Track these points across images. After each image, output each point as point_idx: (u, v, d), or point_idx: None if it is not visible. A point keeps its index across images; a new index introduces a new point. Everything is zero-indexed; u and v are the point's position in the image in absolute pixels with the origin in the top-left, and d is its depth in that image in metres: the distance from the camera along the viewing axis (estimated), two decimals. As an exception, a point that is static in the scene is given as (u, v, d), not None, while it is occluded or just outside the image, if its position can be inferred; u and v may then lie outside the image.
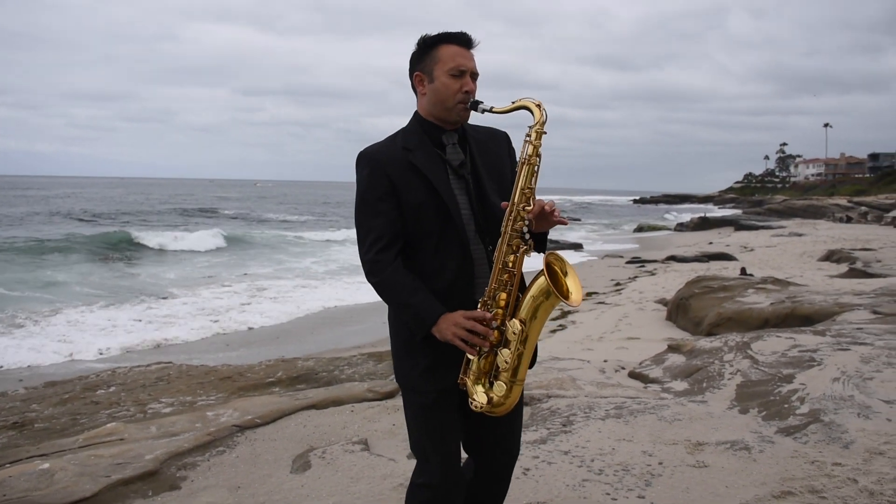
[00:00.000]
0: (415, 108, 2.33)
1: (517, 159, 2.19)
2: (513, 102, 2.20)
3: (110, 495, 3.30)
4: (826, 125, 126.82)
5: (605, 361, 6.18)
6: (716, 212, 61.48)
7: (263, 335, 11.57)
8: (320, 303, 14.64)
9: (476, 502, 2.43)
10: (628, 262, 20.88)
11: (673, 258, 20.89)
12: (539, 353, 2.39)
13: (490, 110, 2.21)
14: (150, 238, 28.34)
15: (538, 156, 2.15)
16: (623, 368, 5.88)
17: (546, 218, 2.12)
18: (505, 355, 2.12)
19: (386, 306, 2.31)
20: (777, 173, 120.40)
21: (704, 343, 6.04)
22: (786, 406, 4.12)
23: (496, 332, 2.12)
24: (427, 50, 2.24)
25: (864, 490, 3.05)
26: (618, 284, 15.63)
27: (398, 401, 4.50)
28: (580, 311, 11.78)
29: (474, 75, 2.24)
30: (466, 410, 2.25)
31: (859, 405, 3.99)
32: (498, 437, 2.37)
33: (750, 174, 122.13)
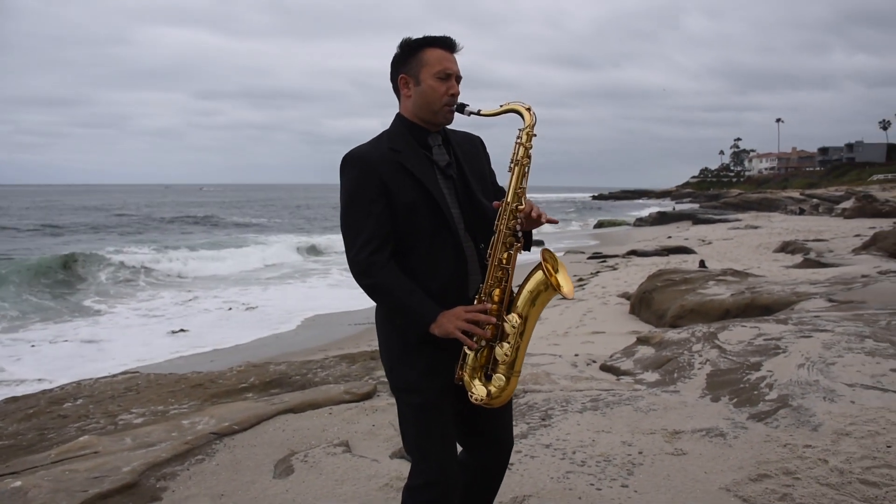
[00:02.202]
0: (396, 111, 2.35)
1: (511, 161, 2.23)
2: (501, 106, 2.25)
3: (90, 509, 3.25)
4: (778, 120, 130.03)
5: (577, 355, 6.26)
6: (671, 206, 62.54)
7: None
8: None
9: (472, 495, 2.46)
10: (590, 258, 21.10)
11: (633, 253, 21.17)
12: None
13: (478, 113, 2.25)
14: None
15: (528, 157, 2.21)
16: (594, 362, 5.95)
17: (533, 220, 2.20)
18: (505, 349, 2.18)
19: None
20: (732, 168, 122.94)
21: (672, 334, 6.15)
22: (755, 393, 4.23)
23: (492, 326, 2.18)
24: (412, 53, 2.26)
25: (834, 469, 3.16)
26: (580, 280, 15.77)
27: (376, 402, 4.51)
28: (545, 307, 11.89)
29: (458, 78, 2.28)
30: (461, 408, 2.30)
31: (824, 389, 4.11)
32: (495, 430, 2.41)
33: (706, 169, 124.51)
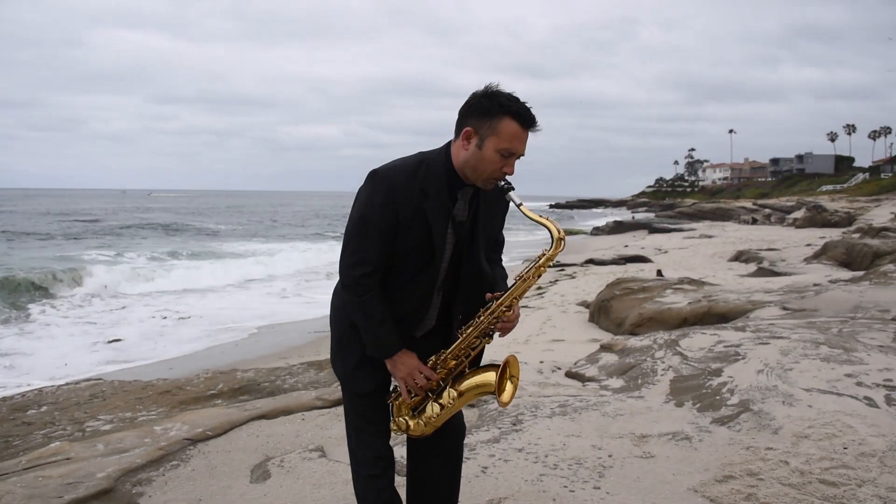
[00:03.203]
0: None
1: (520, 274, 2.31)
2: (541, 216, 2.28)
3: (66, 515, 3.24)
4: (731, 131, 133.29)
5: (542, 362, 6.38)
6: (629, 215, 63.45)
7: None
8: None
9: (430, 484, 2.61)
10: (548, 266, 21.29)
11: (591, 261, 21.46)
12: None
13: (518, 206, 2.28)
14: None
15: (537, 278, 2.31)
16: (559, 369, 6.07)
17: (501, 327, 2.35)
18: (435, 410, 2.37)
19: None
20: (686, 177, 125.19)
21: (635, 342, 6.31)
22: (717, 398, 4.38)
23: (434, 383, 2.37)
24: (490, 112, 2.19)
25: (795, 470, 3.31)
26: (539, 288, 15.92)
27: (348, 408, 4.55)
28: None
29: (521, 156, 2.26)
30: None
31: (783, 394, 4.28)
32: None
33: (661, 179, 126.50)
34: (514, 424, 4.10)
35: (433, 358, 2.36)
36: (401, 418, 2.40)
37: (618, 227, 43.41)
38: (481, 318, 2.31)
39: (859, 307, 7.52)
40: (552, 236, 2.26)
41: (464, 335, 2.33)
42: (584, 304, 12.18)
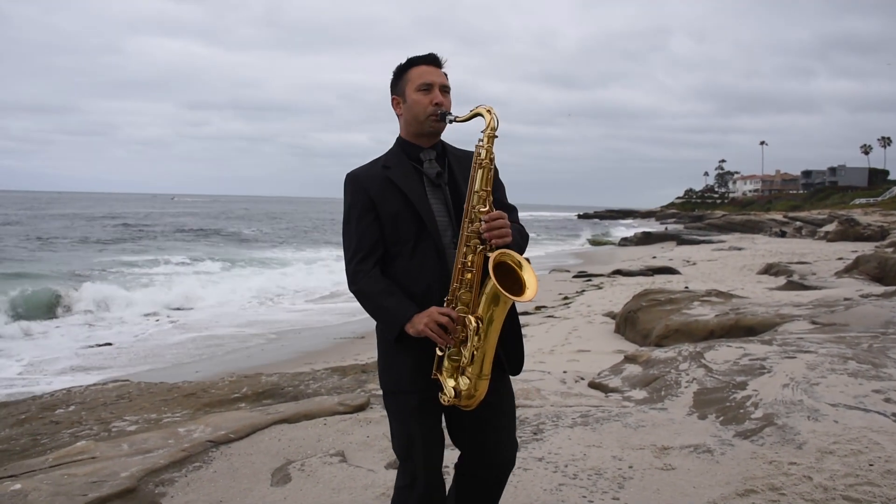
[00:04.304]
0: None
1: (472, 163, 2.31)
2: (469, 111, 2.35)
3: (90, 513, 3.29)
4: (762, 143, 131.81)
5: (565, 372, 6.35)
6: (658, 226, 62.97)
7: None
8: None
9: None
10: (575, 277, 21.22)
11: (619, 272, 21.32)
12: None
13: (454, 120, 2.35)
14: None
15: (490, 159, 2.27)
16: (583, 379, 6.05)
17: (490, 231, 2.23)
18: (466, 351, 2.23)
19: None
20: (716, 189, 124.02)
21: (659, 353, 6.26)
22: (741, 411, 4.33)
23: (461, 328, 2.24)
24: (400, 75, 2.43)
25: (818, 486, 3.26)
26: (566, 298, 15.88)
27: (369, 413, 4.58)
28: (530, 325, 11.96)
29: (445, 88, 2.40)
30: (462, 422, 2.41)
31: (808, 409, 4.22)
32: (496, 440, 2.45)
33: (690, 190, 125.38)
34: (535, 434, 4.09)
35: (447, 298, 2.27)
36: (447, 388, 2.25)
37: (646, 238, 43.11)
38: (462, 228, 2.25)
39: (891, 322, 7.38)
40: (483, 116, 2.30)
41: (457, 257, 2.25)
42: (611, 315, 12.11)
